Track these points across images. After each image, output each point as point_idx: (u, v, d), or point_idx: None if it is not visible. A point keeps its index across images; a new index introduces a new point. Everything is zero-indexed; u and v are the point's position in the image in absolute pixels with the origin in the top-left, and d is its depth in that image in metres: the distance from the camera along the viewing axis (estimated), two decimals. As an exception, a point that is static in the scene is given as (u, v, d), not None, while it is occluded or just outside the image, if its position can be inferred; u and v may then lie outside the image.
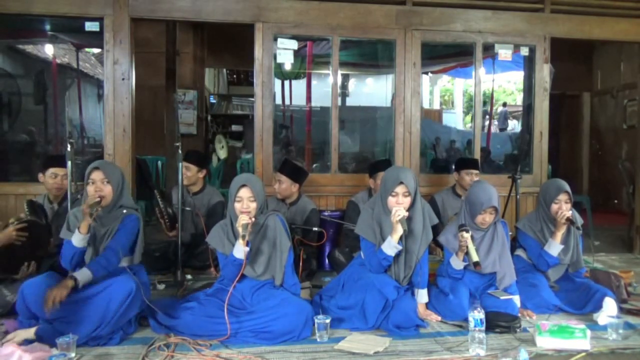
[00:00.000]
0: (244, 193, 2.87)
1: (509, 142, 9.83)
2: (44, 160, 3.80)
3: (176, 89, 6.73)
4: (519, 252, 3.53)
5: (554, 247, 3.28)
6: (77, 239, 2.74)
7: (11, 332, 2.63)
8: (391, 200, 2.98)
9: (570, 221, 3.23)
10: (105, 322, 2.59)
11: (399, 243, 2.94)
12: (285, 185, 3.99)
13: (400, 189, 2.96)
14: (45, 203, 3.66)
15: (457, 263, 3.14)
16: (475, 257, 2.97)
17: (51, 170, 3.59)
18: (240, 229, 2.74)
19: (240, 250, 2.78)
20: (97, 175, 2.85)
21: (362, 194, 4.18)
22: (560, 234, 3.27)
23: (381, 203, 3.07)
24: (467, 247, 3.00)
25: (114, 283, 2.68)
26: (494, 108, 13.03)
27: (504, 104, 15.05)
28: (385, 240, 2.96)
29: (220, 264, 2.98)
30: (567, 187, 3.33)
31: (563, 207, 3.27)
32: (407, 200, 2.97)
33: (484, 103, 9.70)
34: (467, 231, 3.01)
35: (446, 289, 3.16)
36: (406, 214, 2.90)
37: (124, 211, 2.92)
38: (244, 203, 2.86)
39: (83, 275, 2.66)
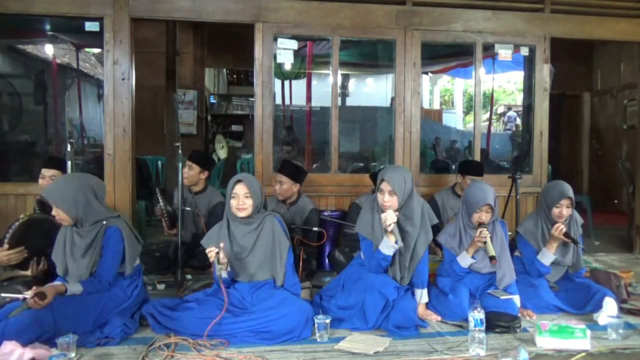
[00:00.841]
0: (240, 189, 2.87)
1: (509, 142, 9.84)
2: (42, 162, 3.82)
3: (176, 89, 6.73)
4: (518, 252, 3.53)
5: (547, 257, 3.27)
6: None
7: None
8: (379, 197, 2.98)
9: (567, 236, 3.22)
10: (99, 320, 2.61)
11: (397, 243, 2.93)
12: (286, 186, 3.99)
13: (385, 186, 2.94)
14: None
15: (466, 261, 3.14)
16: (492, 252, 3.01)
17: (42, 171, 3.63)
18: (217, 266, 2.73)
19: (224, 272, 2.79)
20: (52, 205, 2.71)
21: (365, 195, 4.17)
22: (554, 245, 3.26)
23: (376, 202, 3.07)
24: (484, 243, 3.04)
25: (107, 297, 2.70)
26: (494, 108, 13.00)
27: (509, 108, 14.96)
28: (382, 240, 2.96)
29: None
30: (571, 193, 3.28)
31: (564, 212, 3.26)
32: (394, 200, 2.94)
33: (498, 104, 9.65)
34: (486, 228, 3.04)
35: (446, 289, 3.16)
36: (395, 219, 2.86)
37: (104, 222, 2.78)
38: (240, 199, 2.86)
39: (74, 289, 2.66)
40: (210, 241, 2.91)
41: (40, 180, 3.62)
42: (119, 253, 2.80)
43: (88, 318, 2.63)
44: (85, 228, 2.76)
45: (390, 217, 2.85)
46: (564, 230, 3.20)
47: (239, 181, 2.89)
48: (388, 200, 2.93)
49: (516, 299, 3.10)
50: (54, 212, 2.72)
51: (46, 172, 3.61)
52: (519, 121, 13.27)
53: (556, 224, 3.24)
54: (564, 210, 3.27)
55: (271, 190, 4.04)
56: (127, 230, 2.83)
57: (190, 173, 4.11)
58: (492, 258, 3.01)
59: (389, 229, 2.85)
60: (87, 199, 2.73)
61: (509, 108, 14.90)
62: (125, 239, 2.80)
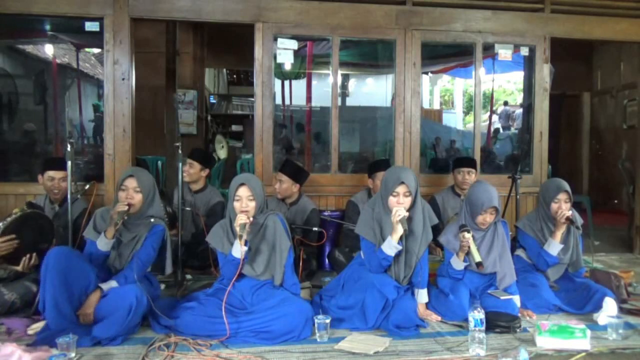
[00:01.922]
0: (243, 192, 2.87)
1: (509, 142, 9.82)
2: (42, 162, 3.81)
3: (176, 89, 6.73)
4: (519, 252, 3.54)
5: (554, 247, 3.28)
6: (102, 243, 2.84)
7: (12, 330, 2.66)
8: (392, 200, 2.98)
9: (570, 220, 3.24)
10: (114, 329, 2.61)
11: (399, 243, 2.94)
12: (286, 186, 3.99)
13: (401, 189, 2.96)
14: (47, 204, 3.66)
15: (457, 264, 3.14)
16: (477, 257, 2.97)
17: (49, 174, 3.61)
18: (238, 229, 2.74)
19: (238, 250, 2.79)
20: (129, 183, 2.92)
21: (361, 194, 4.18)
22: (559, 234, 3.28)
23: (382, 203, 3.07)
24: (468, 247, 3.00)
25: (116, 296, 2.71)
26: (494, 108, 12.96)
27: (505, 103, 14.97)
28: (385, 240, 2.96)
29: (220, 263, 2.99)
30: (567, 187, 3.34)
31: (563, 207, 3.28)
32: (408, 200, 2.97)
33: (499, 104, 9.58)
34: (468, 231, 3.01)
35: (446, 289, 3.16)
36: (406, 214, 2.90)
37: (152, 220, 2.97)
38: (243, 202, 2.86)
39: (109, 286, 2.78)
40: (215, 239, 2.96)
41: (49, 183, 3.59)
42: (156, 251, 2.97)
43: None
44: (134, 222, 2.92)
45: (402, 211, 2.89)
46: (567, 215, 3.22)
47: (242, 184, 2.89)
48: (403, 202, 2.96)
49: (516, 299, 3.09)
50: (130, 195, 2.89)
51: (56, 174, 3.59)
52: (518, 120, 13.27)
53: (557, 218, 3.26)
54: (562, 204, 3.29)
55: (271, 190, 4.04)
56: (168, 233, 3.05)
57: (191, 171, 4.17)
58: (478, 264, 2.99)
59: (399, 219, 2.86)
60: (155, 193, 3.03)
61: (505, 103, 14.88)
62: (168, 240, 3.03)
